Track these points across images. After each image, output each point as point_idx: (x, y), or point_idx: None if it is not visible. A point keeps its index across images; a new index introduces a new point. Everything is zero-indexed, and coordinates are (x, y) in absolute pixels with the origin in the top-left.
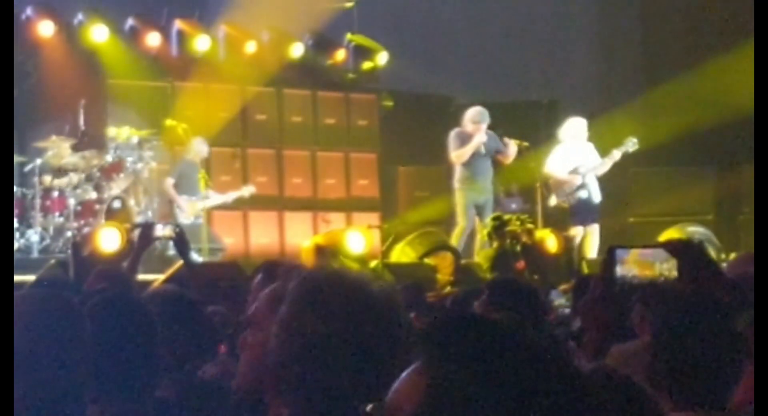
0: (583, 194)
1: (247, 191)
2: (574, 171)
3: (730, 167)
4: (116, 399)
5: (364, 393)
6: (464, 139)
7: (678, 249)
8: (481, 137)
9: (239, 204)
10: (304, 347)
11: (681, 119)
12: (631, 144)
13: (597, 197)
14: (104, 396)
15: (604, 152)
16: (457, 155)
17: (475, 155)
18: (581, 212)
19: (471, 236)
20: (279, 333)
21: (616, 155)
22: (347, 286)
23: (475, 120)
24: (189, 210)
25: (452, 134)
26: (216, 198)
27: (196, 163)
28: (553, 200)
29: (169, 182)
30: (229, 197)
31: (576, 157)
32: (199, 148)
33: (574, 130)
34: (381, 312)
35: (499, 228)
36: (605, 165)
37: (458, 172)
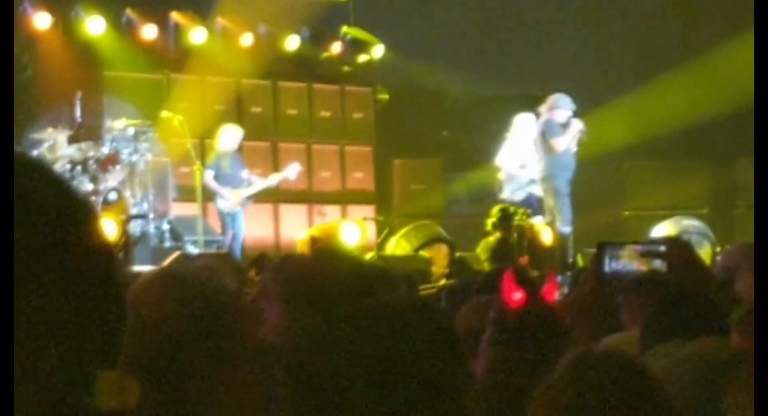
0: (532, 188)
1: (293, 170)
2: (523, 166)
3: (724, 161)
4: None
5: None
6: (559, 126)
7: (666, 246)
8: (578, 124)
9: None
10: None
11: (676, 112)
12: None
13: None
14: None
15: (599, 145)
16: (559, 142)
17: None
18: (531, 205)
19: (473, 227)
20: None
21: None
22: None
23: (569, 107)
24: (233, 199)
25: (548, 122)
26: (260, 183)
27: (232, 152)
28: (505, 193)
29: (209, 174)
30: (273, 180)
31: (524, 153)
32: (227, 137)
33: (522, 126)
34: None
35: (505, 220)
36: None
37: (553, 160)
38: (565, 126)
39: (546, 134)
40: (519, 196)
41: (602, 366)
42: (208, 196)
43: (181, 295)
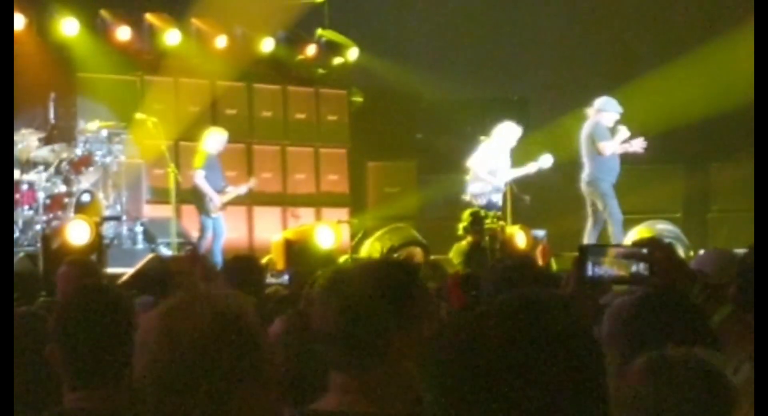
0: (495, 196)
1: (253, 183)
2: (492, 173)
3: (698, 166)
4: (95, 387)
5: None
6: (607, 130)
7: (648, 248)
8: (625, 131)
9: None
10: None
11: (650, 117)
12: (546, 161)
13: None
14: (83, 384)
15: (572, 148)
16: (607, 146)
17: None
18: (491, 210)
19: (447, 230)
20: None
21: (532, 167)
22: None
23: (616, 110)
24: (219, 202)
25: (596, 125)
26: (232, 191)
27: (216, 156)
28: (467, 195)
29: (200, 174)
30: (241, 189)
31: (496, 160)
32: (215, 141)
33: (506, 134)
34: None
35: (476, 224)
36: (519, 174)
37: (599, 164)
38: (612, 130)
39: (594, 136)
40: (481, 201)
41: (681, 368)
42: (182, 198)
43: (213, 315)
